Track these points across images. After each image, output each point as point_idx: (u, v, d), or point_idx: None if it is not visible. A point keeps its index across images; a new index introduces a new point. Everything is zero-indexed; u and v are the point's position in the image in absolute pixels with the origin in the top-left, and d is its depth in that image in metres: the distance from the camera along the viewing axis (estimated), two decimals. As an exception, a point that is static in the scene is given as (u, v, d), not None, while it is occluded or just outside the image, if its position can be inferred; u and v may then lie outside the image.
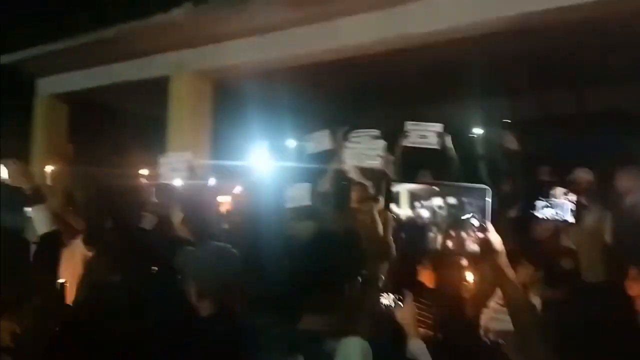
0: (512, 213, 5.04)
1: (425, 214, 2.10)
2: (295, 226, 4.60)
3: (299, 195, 4.99)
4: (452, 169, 5.28)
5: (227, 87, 6.78)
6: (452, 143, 5.29)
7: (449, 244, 1.97)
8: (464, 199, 2.02)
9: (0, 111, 6.87)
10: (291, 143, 5.86)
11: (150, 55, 6.58)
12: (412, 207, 2.15)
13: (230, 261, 2.27)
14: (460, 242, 1.90)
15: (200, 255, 2.36)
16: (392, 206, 2.28)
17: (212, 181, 5.06)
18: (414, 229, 2.16)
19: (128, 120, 8.01)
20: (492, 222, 1.89)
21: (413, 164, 5.59)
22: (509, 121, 5.34)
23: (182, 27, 5.95)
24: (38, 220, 2.69)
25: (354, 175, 4.47)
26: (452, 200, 2.05)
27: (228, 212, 4.97)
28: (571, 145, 6.24)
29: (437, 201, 2.09)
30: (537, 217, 4.37)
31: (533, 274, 3.59)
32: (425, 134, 5.29)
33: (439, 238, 2.04)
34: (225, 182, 5.65)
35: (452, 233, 1.94)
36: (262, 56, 6.06)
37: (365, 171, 4.42)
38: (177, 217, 3.58)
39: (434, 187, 2.15)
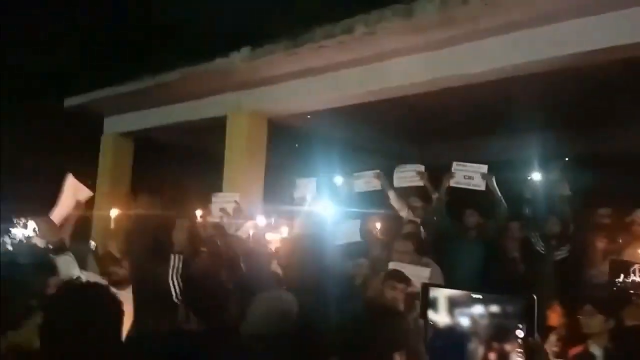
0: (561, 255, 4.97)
1: (464, 322, 1.93)
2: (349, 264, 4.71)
3: (350, 231, 5.13)
4: (498, 210, 5.27)
5: (281, 126, 7.04)
6: (498, 184, 5.31)
7: (491, 357, 1.83)
8: (509, 308, 1.87)
9: (69, 150, 7.41)
10: (340, 180, 6.01)
11: (210, 96, 6.94)
12: (451, 314, 1.99)
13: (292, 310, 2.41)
14: (504, 356, 1.78)
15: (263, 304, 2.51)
16: (429, 312, 2.11)
17: (261, 221, 5.21)
18: (451, 338, 1.98)
19: (188, 158, 8.41)
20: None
21: (460, 203, 5.63)
22: (567, 159, 5.26)
23: (241, 70, 6.28)
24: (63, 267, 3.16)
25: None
26: (495, 308, 1.88)
27: (281, 253, 5.09)
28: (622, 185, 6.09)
29: (478, 309, 1.91)
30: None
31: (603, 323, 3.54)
32: (471, 175, 5.36)
33: (480, 350, 1.87)
34: (277, 222, 5.84)
35: (495, 345, 1.80)
36: (313, 97, 6.31)
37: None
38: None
39: (475, 294, 2.00)
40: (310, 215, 5.39)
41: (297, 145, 6.95)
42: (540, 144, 6.71)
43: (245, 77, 6.45)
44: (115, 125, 8.15)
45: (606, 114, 6.38)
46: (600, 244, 4.76)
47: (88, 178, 7.90)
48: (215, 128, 7.04)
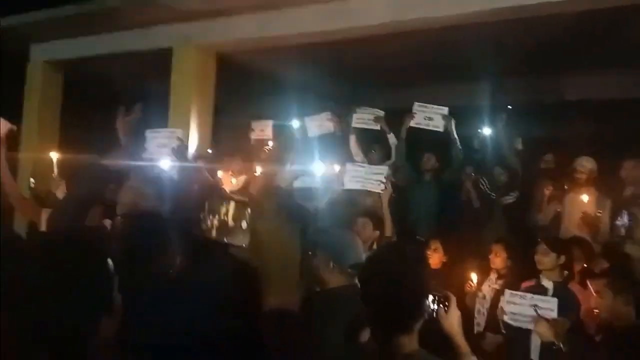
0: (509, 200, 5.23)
1: None
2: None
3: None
4: (455, 153, 5.44)
5: (231, 62, 6.74)
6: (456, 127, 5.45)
7: None
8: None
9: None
10: (297, 124, 5.88)
11: (155, 26, 6.48)
12: None
13: None
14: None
15: None
16: None
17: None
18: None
19: (126, 93, 7.87)
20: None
21: (418, 146, 5.74)
22: (510, 107, 5.45)
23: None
24: None
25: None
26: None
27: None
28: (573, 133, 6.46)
29: None
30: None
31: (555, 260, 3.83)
32: (431, 116, 5.43)
33: None
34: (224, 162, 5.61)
35: None
36: (268, 33, 6.04)
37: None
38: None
39: None
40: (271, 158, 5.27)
41: (249, 85, 6.68)
42: (489, 92, 6.91)
43: (195, 7, 6.05)
44: (43, 52, 7.41)
45: (554, 62, 6.62)
46: (545, 190, 5.06)
47: (11, 110, 7.24)
48: (160, 62, 6.62)
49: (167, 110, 6.43)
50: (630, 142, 5.26)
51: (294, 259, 3.60)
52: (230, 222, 1.14)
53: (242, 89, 7.12)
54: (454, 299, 1.79)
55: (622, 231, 3.51)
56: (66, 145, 7.33)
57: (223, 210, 1.13)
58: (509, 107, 5.45)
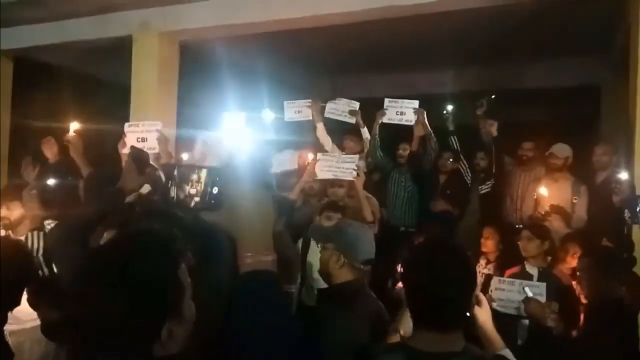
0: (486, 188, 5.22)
1: None
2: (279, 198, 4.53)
3: (285, 160, 4.92)
4: (429, 143, 5.43)
5: (194, 51, 6.48)
6: (429, 118, 5.44)
7: None
8: None
9: None
10: (269, 115, 5.71)
11: (113, 12, 6.14)
12: None
13: None
14: None
15: None
16: None
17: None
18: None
19: (84, 85, 7.48)
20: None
21: (393, 137, 5.69)
22: (493, 97, 5.46)
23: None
24: None
25: None
26: None
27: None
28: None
29: None
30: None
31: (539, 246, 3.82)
32: (402, 110, 5.43)
33: None
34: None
35: None
36: (232, 19, 5.81)
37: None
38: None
39: None
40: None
41: (214, 74, 6.43)
42: (466, 79, 6.93)
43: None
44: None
45: (532, 49, 6.67)
46: (523, 176, 5.08)
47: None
48: (118, 51, 6.29)
49: (127, 101, 6.13)
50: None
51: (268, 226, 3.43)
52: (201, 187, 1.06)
53: (204, 79, 6.85)
54: (483, 297, 1.84)
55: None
56: (18, 139, 6.96)
57: (195, 177, 1.06)
58: (492, 96, 5.42)
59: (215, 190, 1.05)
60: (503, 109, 5.29)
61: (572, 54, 6.98)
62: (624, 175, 3.73)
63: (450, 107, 5.73)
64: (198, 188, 1.07)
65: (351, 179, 4.29)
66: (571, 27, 5.98)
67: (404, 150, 5.58)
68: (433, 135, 5.35)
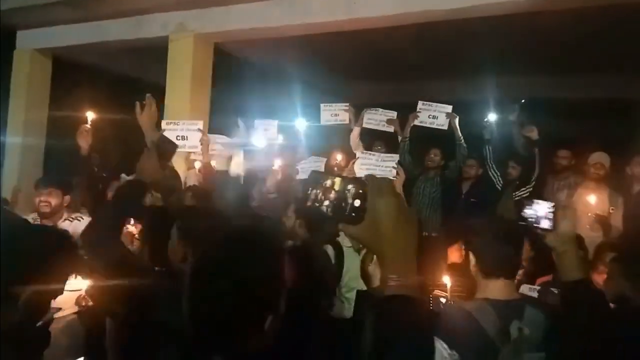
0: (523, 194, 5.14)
1: None
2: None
3: (310, 168, 4.98)
4: (459, 150, 5.40)
5: (229, 53, 6.56)
6: (460, 125, 5.42)
7: None
8: None
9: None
10: (302, 124, 5.77)
11: (150, 14, 6.25)
12: None
13: None
14: None
15: None
16: None
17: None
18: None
19: (121, 84, 7.62)
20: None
21: (423, 142, 5.67)
22: (524, 101, 5.41)
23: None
24: None
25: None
26: None
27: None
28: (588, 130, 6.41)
29: None
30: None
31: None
32: (435, 114, 5.43)
33: None
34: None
35: None
36: (268, 23, 5.87)
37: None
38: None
39: None
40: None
41: (247, 78, 6.50)
42: (500, 87, 6.86)
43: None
44: (31, 39, 7.12)
45: (576, 58, 6.60)
46: (556, 185, 5.00)
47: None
48: (154, 51, 6.40)
49: (161, 101, 6.22)
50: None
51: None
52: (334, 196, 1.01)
53: (237, 80, 6.92)
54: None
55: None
56: (54, 135, 7.12)
57: (328, 184, 1.00)
58: (522, 101, 5.39)
59: (357, 202, 1.00)
60: (540, 119, 5.21)
61: (609, 69, 6.89)
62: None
63: (490, 116, 5.65)
64: (331, 197, 1.02)
65: (392, 177, 4.32)
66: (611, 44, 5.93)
67: (435, 155, 5.55)
68: (463, 142, 5.33)
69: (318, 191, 1.00)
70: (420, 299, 1.10)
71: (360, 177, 1.10)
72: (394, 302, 1.03)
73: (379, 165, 4.38)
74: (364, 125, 5.46)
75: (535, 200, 2.06)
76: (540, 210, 2.01)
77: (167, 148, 2.17)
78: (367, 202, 1.00)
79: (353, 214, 0.97)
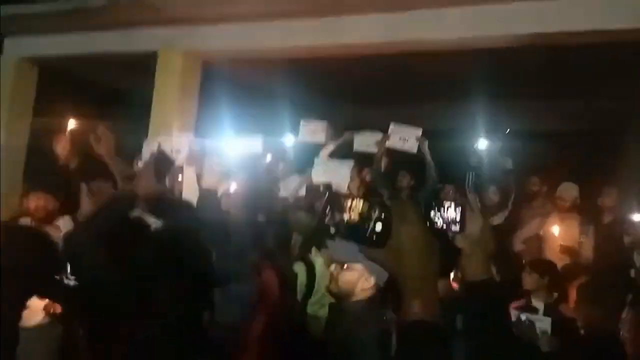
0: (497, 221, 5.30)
1: None
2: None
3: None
4: (429, 174, 5.45)
5: (217, 71, 6.64)
6: (430, 148, 5.47)
7: None
8: None
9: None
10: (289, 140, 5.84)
11: (139, 28, 6.32)
12: None
13: None
14: None
15: None
16: None
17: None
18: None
19: (105, 97, 7.63)
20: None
21: (394, 165, 5.75)
22: (508, 131, 5.58)
23: (177, 3, 5.78)
24: None
25: None
26: None
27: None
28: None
29: None
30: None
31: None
32: (406, 137, 5.42)
33: None
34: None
35: None
36: (256, 43, 5.99)
37: None
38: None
39: None
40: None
41: (233, 95, 6.58)
42: (484, 115, 7.05)
43: (182, 13, 5.95)
44: (17, 47, 7.12)
45: (553, 90, 6.84)
46: (530, 210, 5.18)
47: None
48: (141, 66, 6.45)
49: (146, 116, 6.26)
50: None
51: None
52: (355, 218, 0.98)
53: (227, 100, 7.00)
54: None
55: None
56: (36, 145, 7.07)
57: (347, 205, 0.99)
58: (506, 131, 5.56)
59: (378, 226, 0.99)
60: (516, 148, 5.40)
61: (583, 98, 7.14)
62: (637, 217, 3.83)
63: (480, 143, 5.76)
64: (351, 217, 1.04)
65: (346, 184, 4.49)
66: (583, 73, 6.16)
67: (403, 177, 5.62)
68: (433, 164, 5.34)
69: (335, 211, 1.04)
70: (444, 325, 1.10)
71: (383, 201, 1.13)
72: (418, 328, 1.03)
73: (336, 172, 4.39)
74: (355, 150, 5.41)
75: (445, 204, 2.00)
76: (450, 214, 1.98)
77: (165, 163, 2.23)
78: (390, 228, 1.00)
79: (374, 238, 0.99)
